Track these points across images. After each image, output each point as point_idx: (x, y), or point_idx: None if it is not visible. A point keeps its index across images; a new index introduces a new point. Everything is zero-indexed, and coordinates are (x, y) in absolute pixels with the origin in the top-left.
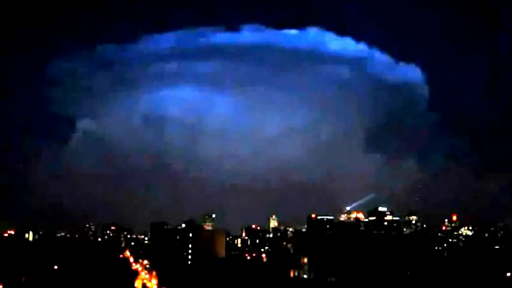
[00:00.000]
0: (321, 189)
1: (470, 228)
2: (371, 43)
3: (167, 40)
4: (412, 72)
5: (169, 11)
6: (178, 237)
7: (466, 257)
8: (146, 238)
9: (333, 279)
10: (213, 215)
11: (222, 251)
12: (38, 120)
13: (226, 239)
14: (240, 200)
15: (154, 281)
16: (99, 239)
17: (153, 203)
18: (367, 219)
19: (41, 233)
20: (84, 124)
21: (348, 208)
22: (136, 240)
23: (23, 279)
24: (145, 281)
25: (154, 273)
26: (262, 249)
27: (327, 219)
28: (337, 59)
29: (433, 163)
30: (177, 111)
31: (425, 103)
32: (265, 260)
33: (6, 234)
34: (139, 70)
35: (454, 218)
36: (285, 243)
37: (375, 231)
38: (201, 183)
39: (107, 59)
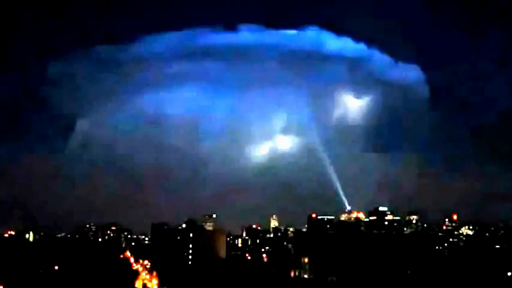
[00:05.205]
0: (321, 189)
1: (471, 227)
2: (370, 43)
3: (167, 40)
4: (412, 72)
5: (168, 11)
6: (178, 237)
7: (466, 256)
8: (147, 238)
9: (333, 278)
10: (214, 215)
11: (222, 251)
12: (38, 120)
13: (226, 239)
14: (241, 200)
15: (154, 281)
16: (100, 240)
17: (153, 203)
18: (367, 219)
19: (41, 233)
20: (84, 124)
21: (348, 208)
22: (137, 240)
23: (24, 279)
24: (145, 281)
25: (154, 273)
26: (263, 249)
27: (327, 219)
28: (336, 59)
29: (433, 163)
30: (176, 111)
31: (425, 103)
32: (265, 260)
33: (6, 235)
34: (139, 70)
35: (455, 217)
36: (285, 243)
37: (375, 231)
38: (201, 183)
39: (107, 59)
